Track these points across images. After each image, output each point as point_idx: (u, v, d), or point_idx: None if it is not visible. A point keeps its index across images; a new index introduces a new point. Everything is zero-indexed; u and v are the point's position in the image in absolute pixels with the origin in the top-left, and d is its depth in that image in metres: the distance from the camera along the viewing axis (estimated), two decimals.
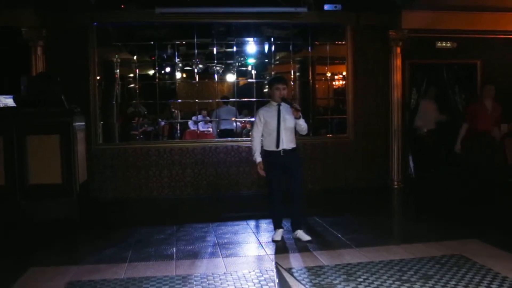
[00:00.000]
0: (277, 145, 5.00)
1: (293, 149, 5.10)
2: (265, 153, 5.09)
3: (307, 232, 5.14)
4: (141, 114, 8.68)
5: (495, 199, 6.90)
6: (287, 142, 5.03)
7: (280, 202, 5.15)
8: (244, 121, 9.09)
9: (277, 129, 4.98)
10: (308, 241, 4.97)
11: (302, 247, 4.83)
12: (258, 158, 5.04)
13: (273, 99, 5.09)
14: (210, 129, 9.39)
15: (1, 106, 6.59)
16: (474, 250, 4.52)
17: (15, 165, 6.08)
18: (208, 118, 9.41)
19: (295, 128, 5.12)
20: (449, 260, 4.24)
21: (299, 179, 5.12)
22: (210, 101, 9.05)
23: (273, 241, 5.06)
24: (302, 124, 5.06)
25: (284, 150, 5.02)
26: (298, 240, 5.02)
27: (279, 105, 5.03)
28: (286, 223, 5.44)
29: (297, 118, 4.98)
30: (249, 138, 8.39)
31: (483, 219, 6.04)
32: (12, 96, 6.48)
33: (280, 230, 5.17)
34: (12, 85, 6.43)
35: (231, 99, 8.93)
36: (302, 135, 5.34)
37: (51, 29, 7.24)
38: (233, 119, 8.55)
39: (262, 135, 5.11)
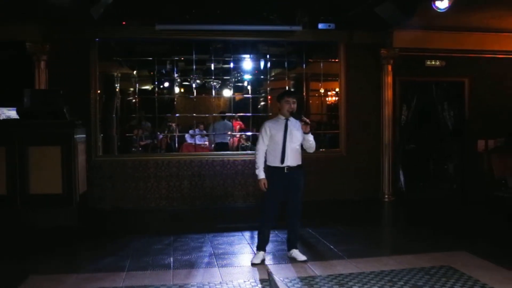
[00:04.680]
0: (282, 161, 4.68)
1: (298, 166, 4.78)
2: (267, 168, 4.75)
3: (303, 251, 4.94)
4: (144, 128, 8.80)
5: (482, 212, 7.06)
6: (292, 159, 4.72)
7: (271, 224, 4.83)
8: (239, 135, 9.23)
9: (283, 143, 4.68)
10: (303, 261, 4.71)
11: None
12: (261, 175, 4.71)
13: (282, 112, 4.81)
14: (207, 143, 9.52)
15: (4, 117, 6.74)
16: (462, 262, 4.66)
17: (16, 175, 6.22)
18: (204, 132, 9.56)
19: (301, 145, 4.84)
20: (438, 271, 4.38)
21: (299, 197, 4.81)
22: (207, 115, 9.17)
23: (252, 264, 4.69)
24: (311, 140, 4.78)
25: (289, 167, 4.70)
26: (293, 259, 4.78)
27: (287, 119, 4.78)
28: (281, 235, 5.57)
29: (306, 133, 4.69)
30: (243, 152, 8.55)
31: (471, 231, 6.21)
32: (15, 108, 6.65)
33: (262, 253, 4.80)
34: (15, 98, 6.56)
35: (227, 114, 9.07)
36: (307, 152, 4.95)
37: (54, 43, 7.40)
38: (229, 133, 8.68)
39: (267, 150, 4.79)
